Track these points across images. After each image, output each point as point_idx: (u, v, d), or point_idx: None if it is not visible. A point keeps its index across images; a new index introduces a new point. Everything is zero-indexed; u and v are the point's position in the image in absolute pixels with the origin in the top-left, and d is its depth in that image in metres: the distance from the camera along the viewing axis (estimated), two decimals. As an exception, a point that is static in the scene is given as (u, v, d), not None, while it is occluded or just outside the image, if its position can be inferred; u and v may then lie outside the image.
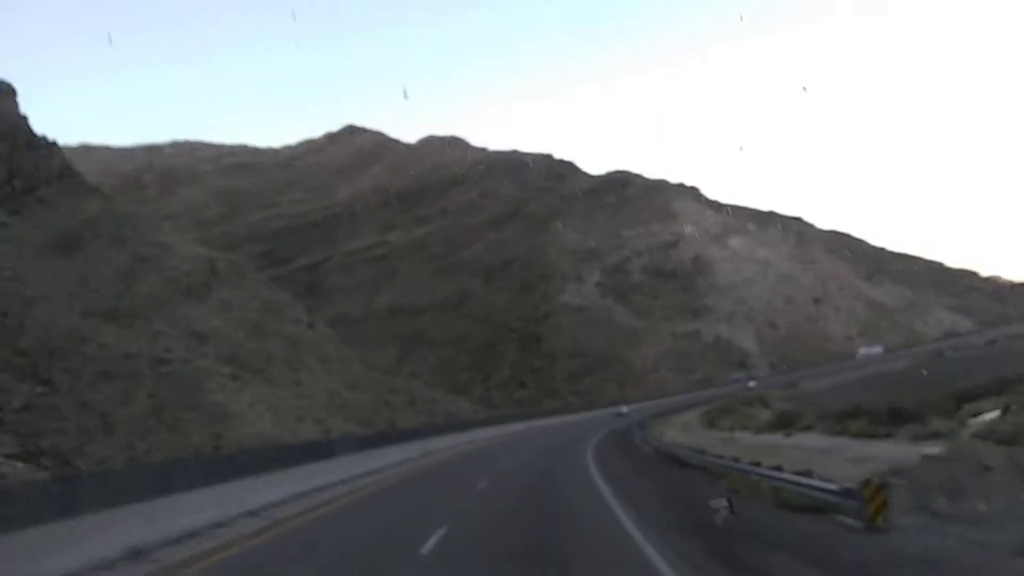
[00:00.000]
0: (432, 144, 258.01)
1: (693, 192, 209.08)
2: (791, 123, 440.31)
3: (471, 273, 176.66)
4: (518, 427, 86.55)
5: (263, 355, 79.27)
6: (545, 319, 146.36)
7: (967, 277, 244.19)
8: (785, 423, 44.09)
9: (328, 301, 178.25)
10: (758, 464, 20.51)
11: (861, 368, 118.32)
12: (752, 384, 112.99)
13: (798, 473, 17.36)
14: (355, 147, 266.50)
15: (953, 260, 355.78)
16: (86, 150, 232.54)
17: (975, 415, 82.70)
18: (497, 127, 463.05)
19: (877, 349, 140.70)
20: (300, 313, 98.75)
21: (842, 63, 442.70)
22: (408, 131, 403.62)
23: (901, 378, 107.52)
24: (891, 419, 32.29)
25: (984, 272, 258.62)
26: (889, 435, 29.45)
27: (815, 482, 16.06)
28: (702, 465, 25.29)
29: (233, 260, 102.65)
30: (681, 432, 49.79)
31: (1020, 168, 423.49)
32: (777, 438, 38.28)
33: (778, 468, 18.87)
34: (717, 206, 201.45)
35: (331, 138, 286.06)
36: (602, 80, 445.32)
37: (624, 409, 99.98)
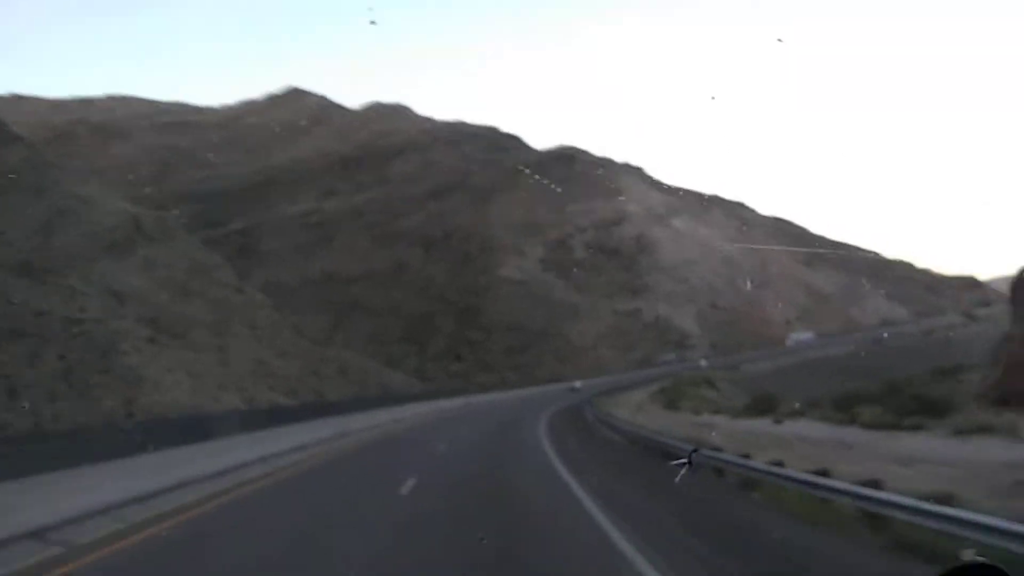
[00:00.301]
0: (377, 111, 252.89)
1: (639, 172, 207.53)
2: (737, 108, 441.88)
3: (410, 243, 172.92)
4: (454, 403, 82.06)
5: (187, 318, 75.26)
6: (484, 292, 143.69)
7: (902, 268, 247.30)
8: (764, 408, 40.45)
9: (261, 266, 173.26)
10: (779, 464, 15.31)
11: (800, 353, 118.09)
12: (704, 363, 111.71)
13: (866, 484, 11.41)
14: (297, 110, 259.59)
15: (889, 251, 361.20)
16: (18, 100, 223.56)
17: None
18: (443, 98, 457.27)
19: (808, 335, 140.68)
20: (230, 276, 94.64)
21: (786, 56, 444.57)
22: (353, 96, 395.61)
23: (842, 364, 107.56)
24: (917, 407, 27.92)
25: (919, 264, 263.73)
26: (918, 427, 24.32)
27: (965, 514, 9.11)
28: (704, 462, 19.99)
29: (161, 217, 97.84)
30: (636, 412, 46.51)
31: (954, 166, 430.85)
32: (767, 425, 32.70)
33: (823, 473, 13.08)
34: (662, 186, 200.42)
35: (273, 100, 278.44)
36: (551, 55, 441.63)
37: (578, 384, 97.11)
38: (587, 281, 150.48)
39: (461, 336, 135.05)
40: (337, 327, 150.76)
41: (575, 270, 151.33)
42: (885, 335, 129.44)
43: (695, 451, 18.49)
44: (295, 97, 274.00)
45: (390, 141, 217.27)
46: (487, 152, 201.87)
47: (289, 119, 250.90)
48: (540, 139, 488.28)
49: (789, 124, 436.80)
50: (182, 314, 76.17)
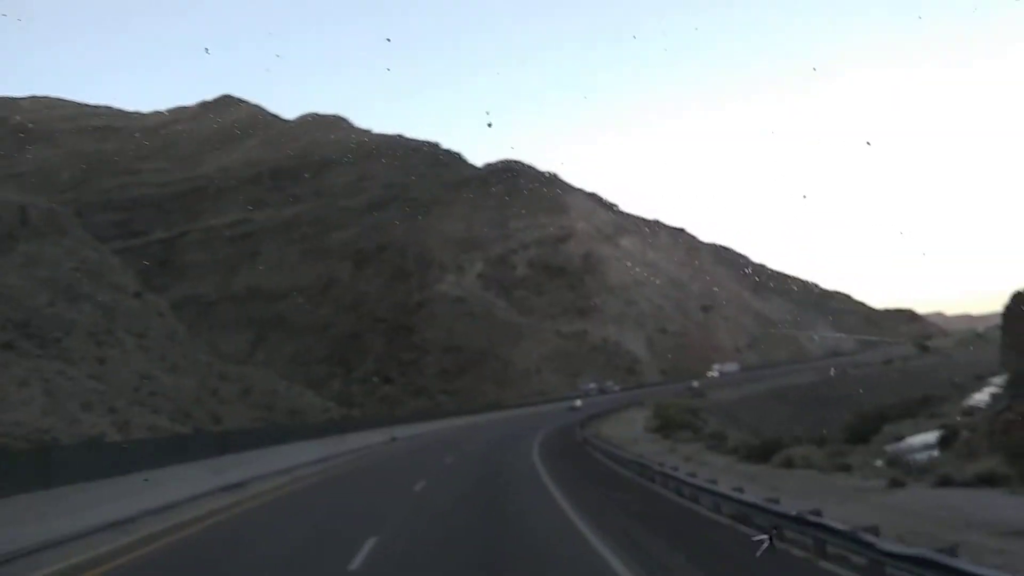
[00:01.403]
0: (312, 122, 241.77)
1: (584, 192, 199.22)
2: (678, 133, 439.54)
3: (341, 257, 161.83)
4: (375, 437, 61.55)
5: (64, 323, 63.86)
6: (418, 309, 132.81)
7: (841, 299, 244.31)
8: (767, 450, 32.04)
9: (182, 278, 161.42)
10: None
11: (767, 380, 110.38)
12: (695, 384, 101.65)
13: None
14: (229, 118, 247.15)
15: (827, 283, 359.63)
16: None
17: (899, 438, 71.70)
18: (383, 112, 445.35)
19: (733, 367, 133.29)
20: (128, 280, 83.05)
21: (731, 85, 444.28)
22: (289, 107, 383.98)
23: (812, 393, 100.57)
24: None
25: (855, 296, 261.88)
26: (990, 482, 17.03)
27: None
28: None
29: (53, 211, 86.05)
30: (635, 444, 40.15)
31: (883, 201, 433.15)
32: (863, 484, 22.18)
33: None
34: (608, 205, 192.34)
35: (205, 107, 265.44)
36: (494, 71, 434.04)
37: (578, 403, 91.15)
38: (530, 300, 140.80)
39: (392, 356, 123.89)
40: (258, 345, 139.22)
41: (517, 289, 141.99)
42: (833, 368, 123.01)
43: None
44: (228, 105, 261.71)
45: (325, 152, 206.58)
46: (427, 166, 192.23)
47: (220, 127, 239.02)
48: (483, 156, 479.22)
49: (724, 152, 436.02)
50: (60, 318, 64.72)
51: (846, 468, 25.77)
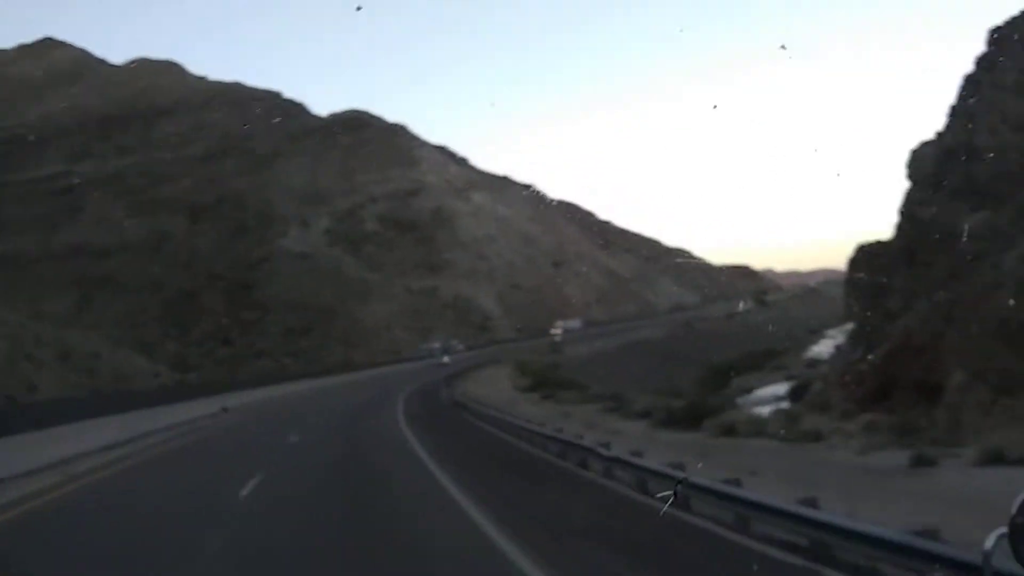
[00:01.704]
0: (143, 67, 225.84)
1: (434, 146, 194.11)
2: (529, 91, 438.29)
3: (174, 212, 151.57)
4: (202, 409, 49.64)
5: None
6: (259, 265, 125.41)
7: (682, 255, 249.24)
8: (694, 413, 27.49)
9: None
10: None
11: (620, 335, 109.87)
12: (447, 360, 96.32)
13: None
14: (51, 62, 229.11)
15: (667, 239, 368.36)
16: None
17: (748, 391, 71.05)
18: (221, 57, 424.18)
19: (576, 323, 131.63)
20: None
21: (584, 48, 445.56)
22: (117, 51, 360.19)
23: (663, 348, 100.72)
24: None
25: (695, 252, 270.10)
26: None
27: None
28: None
29: None
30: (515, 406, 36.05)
31: (727, 162, 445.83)
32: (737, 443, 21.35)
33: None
34: (459, 159, 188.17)
35: (23, 50, 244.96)
36: (340, 19, 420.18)
37: (446, 359, 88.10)
38: (380, 256, 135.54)
39: (231, 316, 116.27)
40: (84, 306, 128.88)
41: (366, 244, 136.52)
42: (692, 319, 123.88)
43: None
44: (49, 48, 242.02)
45: (157, 100, 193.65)
46: (268, 116, 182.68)
47: (41, 72, 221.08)
48: (329, 106, 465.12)
49: (571, 109, 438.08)
50: None
51: (815, 437, 20.58)
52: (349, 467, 22.27)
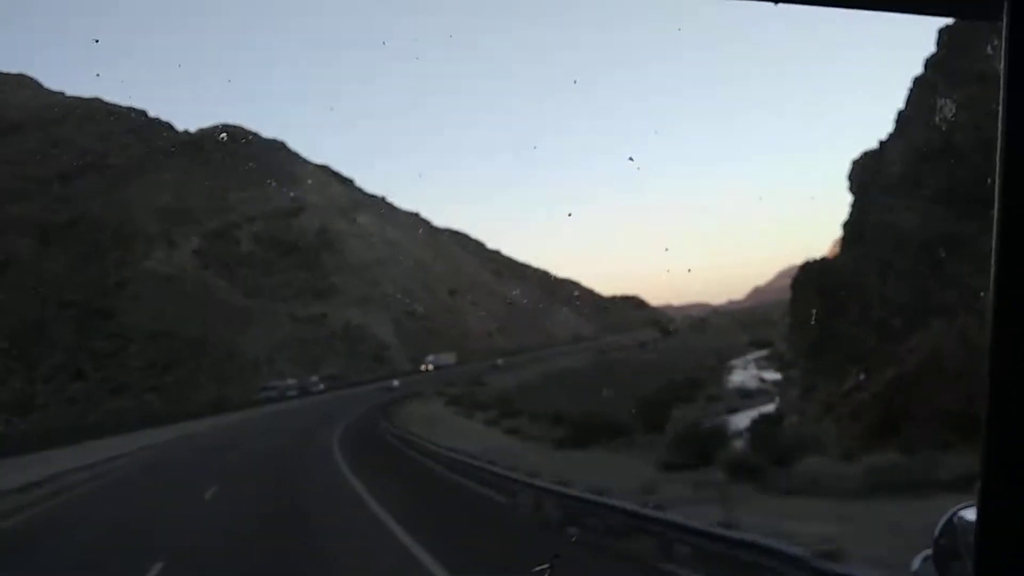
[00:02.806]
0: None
1: (316, 165, 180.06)
2: (413, 114, 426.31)
3: (22, 233, 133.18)
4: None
5: None
6: (118, 290, 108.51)
7: (571, 286, 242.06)
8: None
9: None
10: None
11: (541, 364, 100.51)
12: (396, 384, 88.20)
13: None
14: None
15: (555, 271, 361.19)
16: None
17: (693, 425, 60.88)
18: (81, 72, 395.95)
19: (449, 359, 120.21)
20: None
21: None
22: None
23: (588, 378, 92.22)
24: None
25: (584, 283, 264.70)
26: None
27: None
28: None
29: None
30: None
31: (591, 190, 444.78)
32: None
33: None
34: (342, 179, 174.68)
35: None
36: (211, 33, 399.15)
37: (395, 383, 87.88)
38: (259, 280, 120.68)
39: (85, 347, 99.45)
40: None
41: (242, 267, 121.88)
42: (606, 348, 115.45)
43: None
44: None
45: (6, 115, 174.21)
46: (131, 132, 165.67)
47: None
48: (198, 120, 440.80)
49: (459, 136, 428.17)
50: None
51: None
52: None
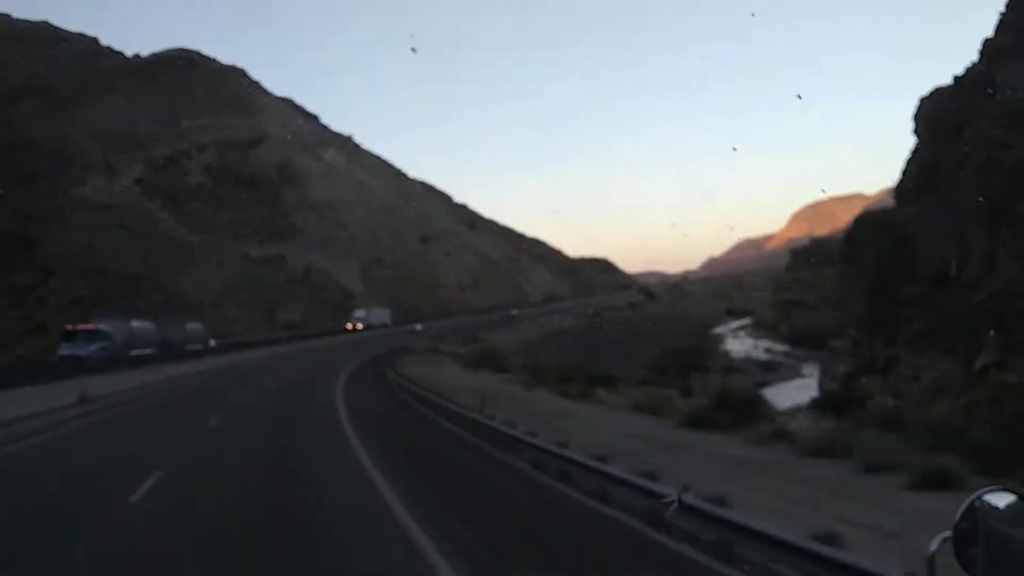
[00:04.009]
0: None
1: (279, 97, 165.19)
2: (389, 57, 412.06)
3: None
4: None
5: None
6: (47, 219, 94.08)
7: (539, 246, 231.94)
8: None
9: None
10: None
11: (538, 321, 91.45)
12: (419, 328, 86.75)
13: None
14: None
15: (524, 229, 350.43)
16: None
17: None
18: None
19: (382, 315, 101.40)
20: None
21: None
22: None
23: (585, 339, 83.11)
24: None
25: (550, 243, 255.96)
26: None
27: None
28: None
29: None
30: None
31: (584, 159, 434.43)
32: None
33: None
34: (307, 114, 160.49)
35: None
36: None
37: (419, 327, 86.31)
38: (208, 215, 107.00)
39: (2, 281, 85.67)
40: None
41: (191, 200, 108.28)
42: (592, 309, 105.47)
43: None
44: None
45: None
46: (80, 58, 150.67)
47: None
48: (151, 45, 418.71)
49: (434, 88, 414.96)
50: None
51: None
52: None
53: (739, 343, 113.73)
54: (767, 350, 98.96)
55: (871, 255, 65.53)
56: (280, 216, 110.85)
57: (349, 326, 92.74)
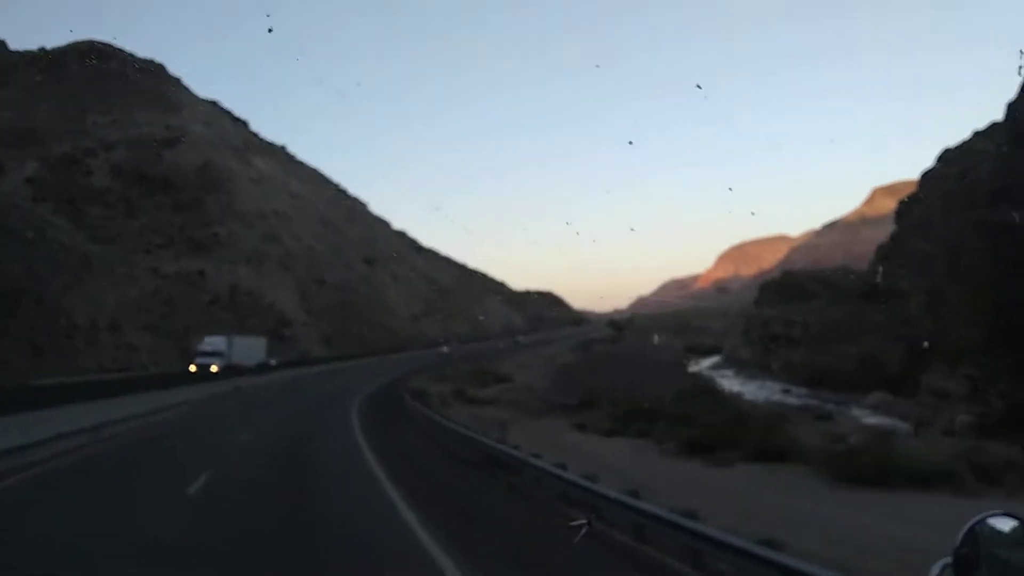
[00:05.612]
0: None
1: (203, 99, 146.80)
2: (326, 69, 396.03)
3: None
4: None
5: None
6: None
7: (484, 279, 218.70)
8: None
9: None
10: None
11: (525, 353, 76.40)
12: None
13: None
14: None
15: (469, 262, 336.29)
16: None
17: None
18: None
19: (250, 349, 71.46)
20: None
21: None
22: None
23: (588, 373, 68.79)
24: None
25: (494, 276, 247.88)
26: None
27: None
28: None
29: None
30: None
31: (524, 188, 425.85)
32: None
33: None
34: (235, 118, 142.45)
35: None
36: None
37: (446, 349, 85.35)
38: (114, 223, 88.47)
39: None
40: None
41: (93, 205, 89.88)
42: (589, 342, 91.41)
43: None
44: None
45: None
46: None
47: None
48: (57, 38, 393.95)
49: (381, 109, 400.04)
50: None
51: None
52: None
53: (730, 382, 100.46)
54: (783, 391, 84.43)
55: (983, 267, 50.67)
56: (200, 226, 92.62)
57: (192, 368, 61.54)
